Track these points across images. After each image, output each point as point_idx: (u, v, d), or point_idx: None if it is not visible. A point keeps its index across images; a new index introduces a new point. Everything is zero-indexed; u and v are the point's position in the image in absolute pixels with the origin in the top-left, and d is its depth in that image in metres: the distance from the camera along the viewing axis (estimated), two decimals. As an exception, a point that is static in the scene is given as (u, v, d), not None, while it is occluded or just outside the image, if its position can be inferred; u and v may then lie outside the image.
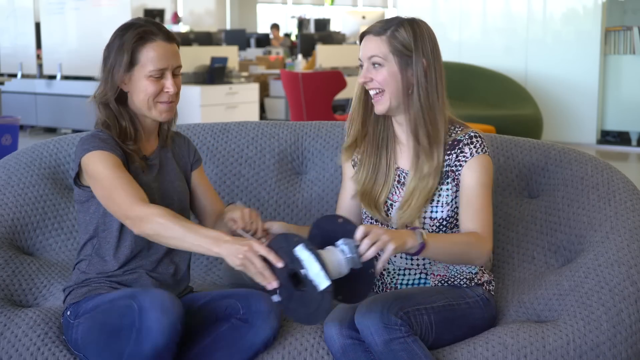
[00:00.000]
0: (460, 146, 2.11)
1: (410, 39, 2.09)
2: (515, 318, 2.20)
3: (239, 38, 13.25)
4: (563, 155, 2.56)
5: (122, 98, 2.13)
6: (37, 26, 9.85)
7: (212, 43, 10.29)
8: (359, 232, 1.85)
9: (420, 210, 2.12)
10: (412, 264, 2.17)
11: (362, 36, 2.15)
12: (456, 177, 2.11)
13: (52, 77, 9.65)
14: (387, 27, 2.10)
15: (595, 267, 2.19)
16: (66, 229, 2.56)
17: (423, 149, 2.11)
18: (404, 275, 2.19)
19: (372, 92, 2.12)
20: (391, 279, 2.20)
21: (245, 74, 9.83)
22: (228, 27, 19.82)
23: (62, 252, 2.53)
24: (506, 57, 8.83)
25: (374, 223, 2.21)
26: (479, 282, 2.19)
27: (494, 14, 9.03)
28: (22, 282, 2.34)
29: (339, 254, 1.86)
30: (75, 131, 8.38)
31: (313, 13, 20.72)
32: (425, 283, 2.18)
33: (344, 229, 1.90)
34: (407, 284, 2.19)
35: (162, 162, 2.21)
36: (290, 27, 19.60)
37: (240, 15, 20.82)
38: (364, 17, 13.75)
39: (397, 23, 2.11)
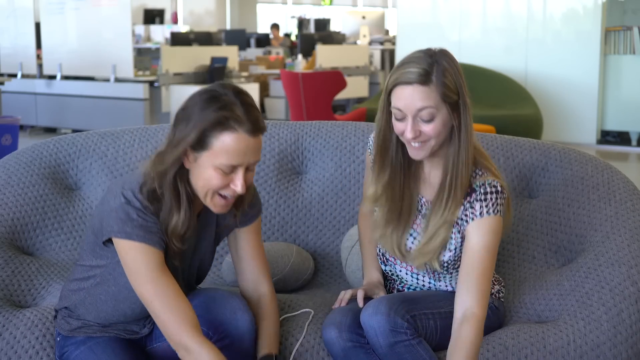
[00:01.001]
0: (472, 200, 1.99)
1: (456, 80, 1.94)
2: (516, 319, 2.20)
3: (239, 38, 13.24)
4: (563, 155, 2.55)
5: (183, 170, 1.85)
6: (37, 26, 9.84)
7: (212, 43, 10.28)
8: None
9: (437, 253, 2.04)
10: (417, 282, 2.17)
11: (396, 84, 1.93)
12: (461, 230, 2.02)
13: (52, 77, 9.64)
14: (430, 72, 1.91)
15: (596, 267, 2.19)
16: (66, 229, 2.56)
17: (448, 190, 1.99)
18: (411, 284, 2.18)
19: (415, 144, 1.96)
20: (399, 283, 2.20)
21: (245, 74, 9.82)
22: (228, 27, 19.82)
23: (62, 252, 2.52)
24: (506, 57, 8.82)
25: (385, 254, 2.18)
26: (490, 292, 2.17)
27: (494, 14, 9.02)
28: (22, 282, 2.34)
29: None
30: (75, 131, 8.38)
31: (313, 13, 20.71)
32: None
33: None
34: (414, 289, 2.18)
35: (197, 234, 1.97)
36: (290, 27, 19.59)
37: (240, 15, 20.82)
38: (364, 17, 13.74)
39: (435, 62, 1.93)
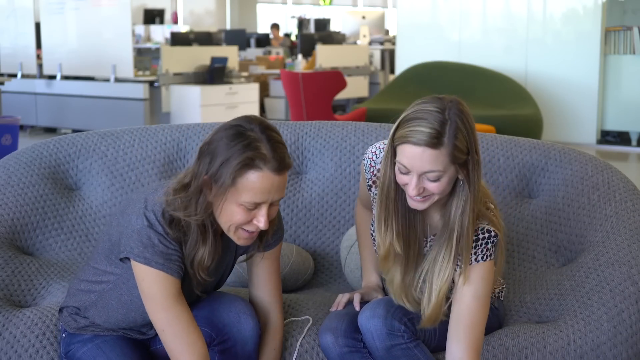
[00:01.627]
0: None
1: (468, 140, 1.83)
2: (517, 318, 2.20)
3: (239, 38, 13.24)
4: (563, 155, 2.55)
5: (207, 203, 1.81)
6: (37, 26, 9.83)
7: (212, 43, 10.28)
8: None
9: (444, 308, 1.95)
10: None
11: (404, 142, 1.84)
12: (451, 274, 1.93)
13: (52, 77, 9.64)
14: (441, 134, 1.80)
15: (596, 267, 2.19)
16: (66, 229, 2.56)
17: (456, 249, 1.91)
18: None
19: (417, 197, 1.88)
20: None
21: (245, 74, 9.82)
22: (228, 27, 19.82)
23: (62, 252, 2.52)
24: (506, 57, 8.82)
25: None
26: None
27: (494, 14, 9.03)
28: (22, 282, 2.34)
29: None
30: (75, 131, 8.38)
31: (313, 13, 20.71)
32: None
33: None
34: None
35: (218, 259, 1.94)
36: (290, 27, 19.60)
37: (240, 15, 20.82)
38: (364, 17, 13.74)
39: (450, 122, 1.81)
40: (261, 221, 1.78)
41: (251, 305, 2.02)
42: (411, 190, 1.86)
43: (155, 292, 1.81)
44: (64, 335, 2.03)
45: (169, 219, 1.80)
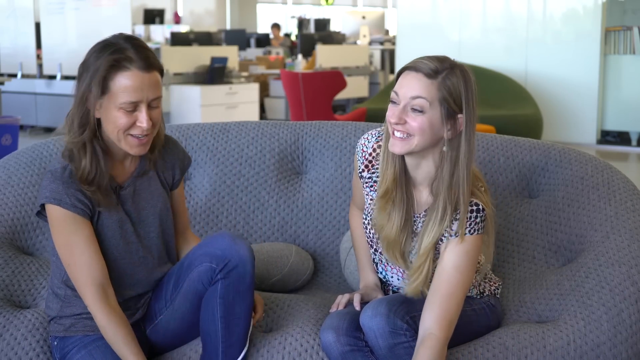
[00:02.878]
0: (451, 218, 1.95)
1: (462, 91, 1.89)
2: (517, 318, 2.20)
3: (239, 38, 13.24)
4: (563, 155, 2.56)
5: (93, 120, 1.93)
6: (37, 26, 9.84)
7: (212, 43, 10.28)
8: None
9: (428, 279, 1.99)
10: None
11: (403, 70, 1.94)
12: (438, 247, 1.99)
13: (52, 77, 9.64)
14: (440, 70, 1.89)
15: (596, 267, 2.19)
16: (66, 229, 2.55)
17: (437, 209, 1.95)
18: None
19: (397, 134, 1.92)
20: (393, 285, 2.19)
21: (245, 74, 9.82)
22: (228, 27, 19.82)
23: (62, 252, 2.52)
24: (506, 57, 8.82)
25: (385, 264, 2.16)
26: (485, 293, 2.17)
27: (494, 14, 9.02)
28: (22, 282, 2.34)
29: None
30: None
31: (313, 13, 20.72)
32: None
33: None
34: None
35: (138, 188, 2.05)
36: (290, 27, 19.60)
37: (240, 15, 20.82)
38: (364, 17, 13.74)
39: (450, 68, 1.90)
40: (143, 121, 1.89)
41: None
42: (392, 118, 1.91)
43: (55, 228, 1.93)
44: (55, 343, 2.04)
45: (67, 156, 1.93)
